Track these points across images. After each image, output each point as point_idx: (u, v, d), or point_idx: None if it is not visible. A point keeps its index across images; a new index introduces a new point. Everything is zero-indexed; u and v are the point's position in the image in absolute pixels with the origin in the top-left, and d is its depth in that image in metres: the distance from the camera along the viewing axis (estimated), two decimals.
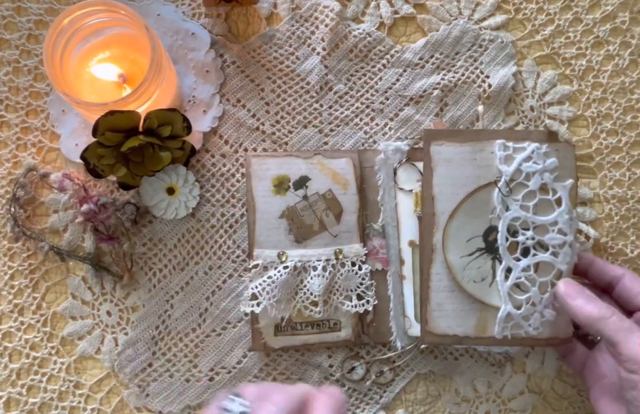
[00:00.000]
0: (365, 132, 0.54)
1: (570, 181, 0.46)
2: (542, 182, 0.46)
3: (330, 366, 0.52)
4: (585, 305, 0.43)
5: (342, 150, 0.53)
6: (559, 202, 0.46)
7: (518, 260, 0.46)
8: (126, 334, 0.52)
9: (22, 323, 0.51)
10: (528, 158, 0.46)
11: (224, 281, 0.52)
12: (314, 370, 0.52)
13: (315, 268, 0.49)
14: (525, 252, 0.46)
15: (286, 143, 0.53)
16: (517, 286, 0.46)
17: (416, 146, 0.52)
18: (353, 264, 0.50)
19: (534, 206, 0.46)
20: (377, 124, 0.54)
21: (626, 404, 0.41)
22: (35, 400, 0.51)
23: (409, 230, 0.51)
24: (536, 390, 0.53)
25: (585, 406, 0.52)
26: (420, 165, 0.50)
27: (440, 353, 0.52)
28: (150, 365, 0.51)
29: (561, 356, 0.50)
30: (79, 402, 0.51)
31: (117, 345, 0.51)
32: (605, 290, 0.48)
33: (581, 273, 0.48)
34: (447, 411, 0.52)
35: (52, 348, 0.51)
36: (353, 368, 0.52)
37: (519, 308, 0.46)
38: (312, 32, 0.54)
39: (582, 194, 0.54)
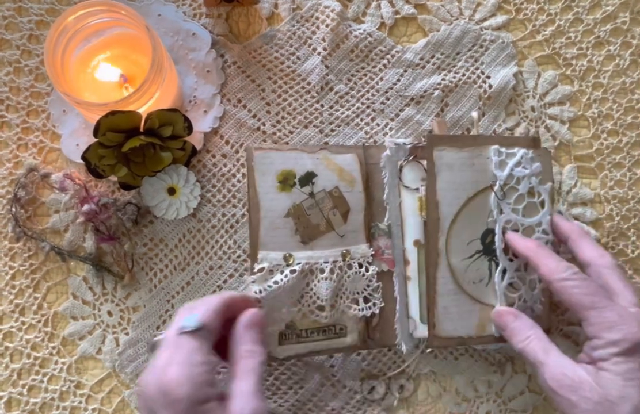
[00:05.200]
0: (366, 132, 0.54)
1: (549, 184, 0.49)
2: (529, 186, 0.48)
3: (332, 366, 0.52)
4: (510, 337, 0.45)
5: (347, 146, 0.52)
6: (542, 204, 0.48)
7: (511, 260, 0.48)
8: (127, 334, 0.52)
9: (23, 323, 0.51)
10: (518, 163, 0.48)
11: (225, 282, 0.52)
12: (315, 371, 0.52)
13: (322, 271, 0.47)
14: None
15: (287, 144, 0.53)
16: (511, 285, 0.48)
17: (419, 144, 0.51)
18: (360, 265, 0.48)
19: (523, 208, 0.48)
20: (377, 124, 0.54)
21: None
22: (36, 400, 0.51)
23: (413, 229, 0.50)
24: (537, 390, 0.53)
25: None
26: (425, 163, 0.50)
27: (440, 353, 0.52)
28: None
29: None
30: (80, 402, 0.51)
31: (118, 345, 0.52)
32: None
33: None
34: (447, 411, 0.52)
35: (53, 348, 0.51)
36: (373, 388, 0.51)
37: (512, 305, 0.47)
38: (313, 32, 0.54)
39: (582, 194, 0.54)
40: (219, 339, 0.40)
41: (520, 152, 0.48)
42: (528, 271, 0.48)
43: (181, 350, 0.37)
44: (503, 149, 0.48)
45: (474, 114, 0.52)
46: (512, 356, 0.53)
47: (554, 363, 0.41)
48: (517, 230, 0.48)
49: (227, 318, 0.41)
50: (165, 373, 0.36)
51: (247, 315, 0.41)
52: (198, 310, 0.39)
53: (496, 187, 0.47)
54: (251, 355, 0.40)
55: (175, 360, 0.37)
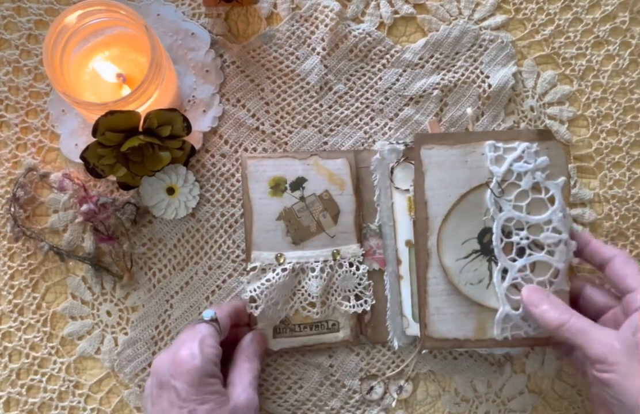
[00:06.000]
0: (365, 132, 0.54)
1: (562, 179, 0.46)
2: (534, 181, 0.46)
3: (331, 365, 0.52)
4: (546, 312, 0.43)
5: (338, 151, 0.53)
6: (551, 200, 0.46)
7: (514, 260, 0.46)
8: (126, 334, 0.52)
9: (22, 323, 0.51)
10: (519, 158, 0.46)
11: (224, 281, 0.52)
12: (315, 370, 0.52)
13: (313, 270, 0.49)
14: (521, 252, 0.46)
15: (286, 143, 0.53)
16: (514, 286, 0.46)
17: (411, 146, 0.52)
18: (350, 264, 0.50)
19: (527, 205, 0.46)
20: (377, 124, 0.54)
21: (604, 400, 0.41)
22: (35, 400, 0.51)
23: (405, 229, 0.51)
24: (536, 390, 0.53)
25: (585, 406, 0.52)
26: None
27: (439, 353, 0.52)
28: (150, 365, 0.51)
29: (563, 354, 0.50)
30: (79, 402, 0.51)
31: (116, 344, 0.51)
32: (600, 269, 0.47)
33: (577, 253, 0.47)
34: (446, 411, 0.52)
35: (52, 348, 0.51)
36: (372, 388, 0.52)
37: (516, 308, 0.46)
38: (312, 32, 0.54)
39: (581, 194, 0.54)
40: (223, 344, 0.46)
41: (521, 146, 0.46)
42: (535, 272, 0.46)
43: (196, 333, 0.44)
44: (500, 144, 0.46)
45: (469, 111, 0.52)
46: (512, 356, 0.52)
47: (599, 335, 0.40)
48: (521, 229, 0.46)
49: (234, 324, 0.48)
50: (180, 350, 0.42)
51: (254, 332, 0.49)
52: (214, 308, 0.47)
53: (492, 184, 0.46)
54: (250, 361, 0.46)
55: (189, 340, 0.43)
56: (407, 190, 0.51)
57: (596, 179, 0.54)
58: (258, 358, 0.47)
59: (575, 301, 0.47)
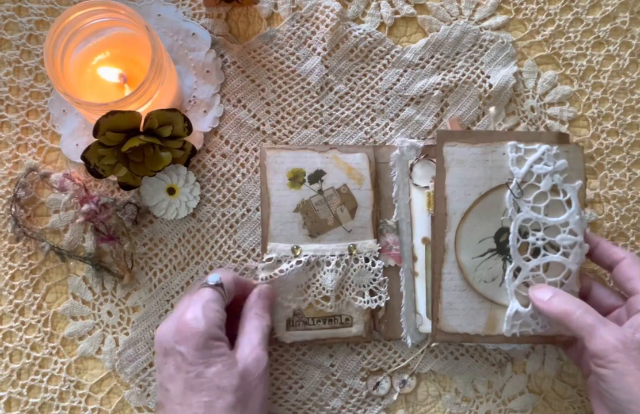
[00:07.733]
0: (366, 132, 0.54)
1: (579, 182, 0.47)
2: (552, 184, 0.46)
3: (332, 365, 0.52)
4: (552, 299, 0.44)
5: (357, 145, 0.53)
6: (569, 202, 0.46)
7: (528, 260, 0.47)
8: (127, 334, 0.52)
9: (22, 323, 0.51)
10: (539, 160, 0.46)
11: None
12: (316, 370, 0.52)
13: (328, 263, 0.49)
14: (536, 253, 0.47)
15: (287, 144, 0.53)
16: (526, 284, 0.47)
17: (432, 144, 0.52)
18: (366, 260, 0.50)
19: (545, 207, 0.46)
20: (377, 124, 0.54)
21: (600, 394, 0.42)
22: (35, 400, 0.51)
23: (422, 226, 0.51)
24: (536, 390, 0.53)
25: (585, 406, 0.53)
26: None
27: (440, 353, 0.52)
28: (151, 365, 0.51)
29: (562, 346, 0.51)
30: (80, 402, 0.51)
31: (117, 344, 0.52)
32: (608, 270, 0.48)
33: (587, 254, 0.48)
34: (447, 411, 0.52)
35: (53, 348, 0.51)
36: (378, 384, 0.52)
37: (526, 305, 0.46)
38: (313, 33, 0.54)
39: None
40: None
41: (541, 148, 0.46)
42: (549, 272, 0.46)
43: (200, 297, 0.43)
44: (521, 145, 0.46)
45: (492, 110, 0.52)
46: (513, 357, 0.53)
47: (602, 331, 0.41)
48: (538, 230, 0.46)
49: (238, 295, 0.47)
50: (183, 315, 0.42)
51: (260, 287, 0.48)
52: (218, 273, 0.45)
53: (512, 185, 0.46)
54: (259, 318, 0.46)
55: (193, 304, 0.42)
56: (426, 187, 0.51)
57: (596, 179, 0.54)
58: (268, 312, 0.47)
59: (584, 300, 0.47)
